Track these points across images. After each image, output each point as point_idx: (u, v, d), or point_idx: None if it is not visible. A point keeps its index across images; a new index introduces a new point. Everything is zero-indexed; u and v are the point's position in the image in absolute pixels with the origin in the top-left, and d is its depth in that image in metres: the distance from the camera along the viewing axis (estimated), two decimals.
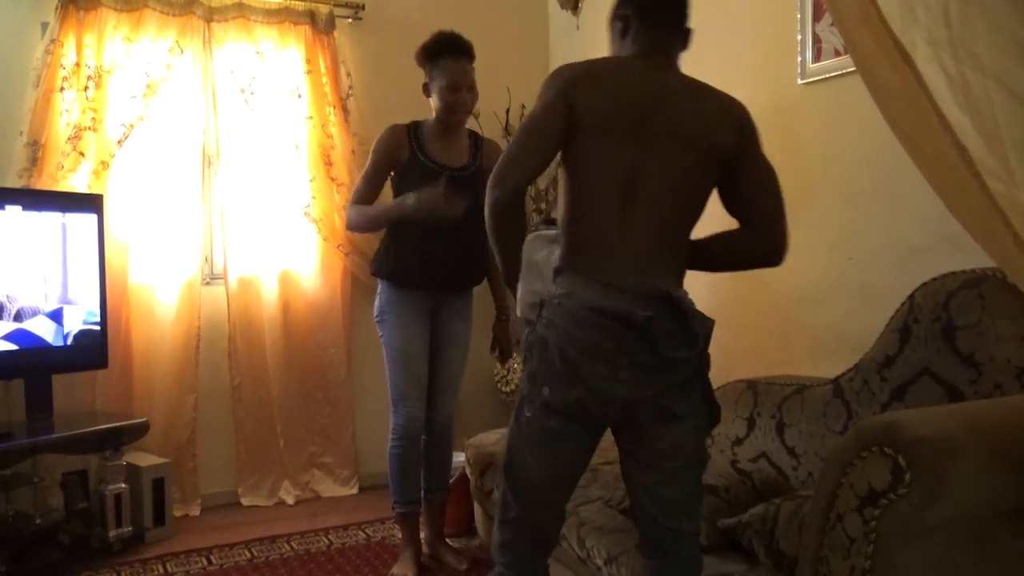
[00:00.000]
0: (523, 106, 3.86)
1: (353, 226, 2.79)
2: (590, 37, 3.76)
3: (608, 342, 1.49)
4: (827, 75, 2.44)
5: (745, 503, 1.94)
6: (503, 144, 3.18)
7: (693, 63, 2.98)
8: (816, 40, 2.47)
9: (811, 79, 2.50)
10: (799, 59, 2.52)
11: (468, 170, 2.74)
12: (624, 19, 1.71)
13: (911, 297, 1.92)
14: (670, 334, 1.52)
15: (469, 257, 2.73)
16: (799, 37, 2.52)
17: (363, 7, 3.76)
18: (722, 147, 1.66)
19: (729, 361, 2.85)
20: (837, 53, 2.39)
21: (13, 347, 2.90)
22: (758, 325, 2.75)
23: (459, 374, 2.85)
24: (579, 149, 1.60)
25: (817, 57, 2.47)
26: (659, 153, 1.59)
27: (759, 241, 1.71)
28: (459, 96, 2.65)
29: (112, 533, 3.02)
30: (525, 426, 1.60)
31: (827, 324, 2.48)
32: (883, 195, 2.28)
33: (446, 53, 2.64)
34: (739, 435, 2.35)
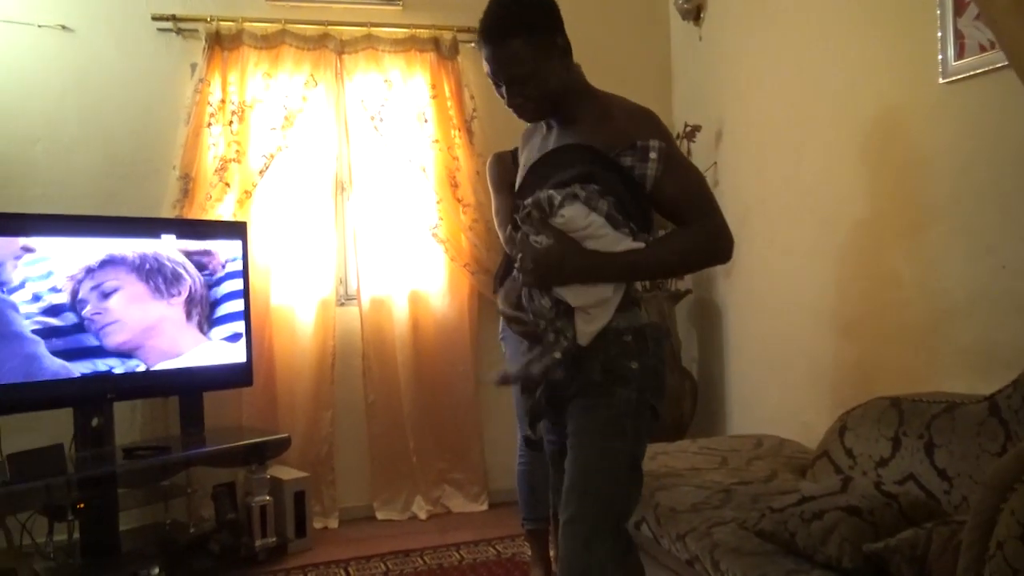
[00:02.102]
0: None
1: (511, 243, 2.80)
2: (713, 48, 3.70)
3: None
4: (971, 72, 2.29)
5: (892, 527, 1.83)
6: None
7: (825, 64, 2.90)
8: (959, 36, 2.34)
9: (954, 77, 2.36)
10: (940, 57, 2.39)
11: None
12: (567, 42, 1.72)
13: None
14: None
15: None
16: (939, 34, 2.38)
17: None
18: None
19: (868, 377, 2.72)
20: (983, 48, 2.25)
21: (170, 366, 3.11)
22: (899, 338, 2.61)
23: None
24: None
25: (960, 54, 2.34)
26: None
27: None
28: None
29: (258, 543, 3.18)
30: (644, 437, 1.72)
31: (976, 337, 2.32)
32: None
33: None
34: (883, 455, 2.22)
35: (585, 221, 1.61)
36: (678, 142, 3.77)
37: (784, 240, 3.22)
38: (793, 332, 3.16)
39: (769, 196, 3.31)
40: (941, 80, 2.40)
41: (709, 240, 1.67)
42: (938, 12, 2.38)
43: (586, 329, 1.63)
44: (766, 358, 3.38)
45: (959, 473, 1.98)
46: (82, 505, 2.73)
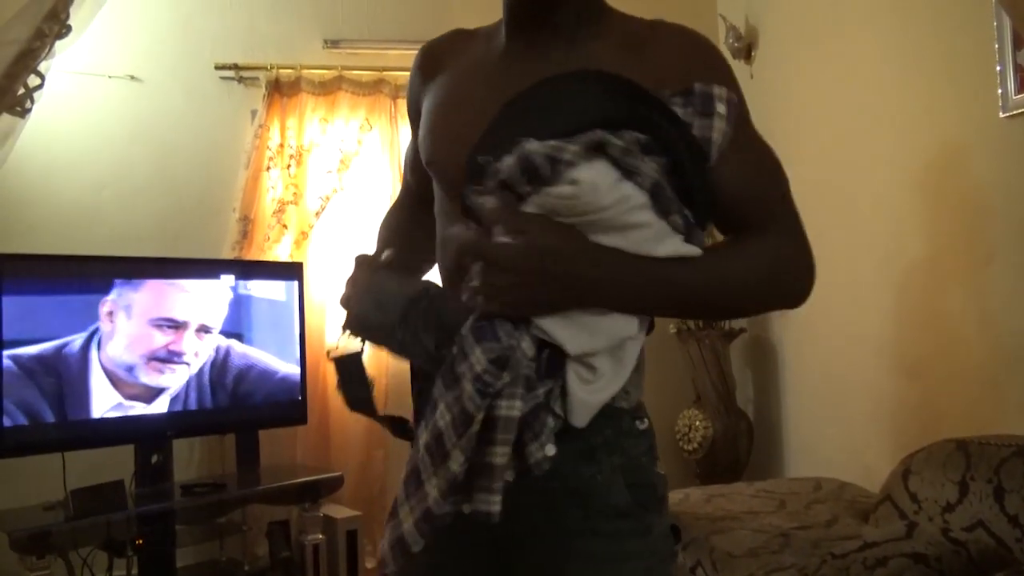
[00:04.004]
0: None
1: None
2: (765, 86, 3.69)
3: None
4: None
5: None
6: None
7: (881, 100, 2.87)
8: (1018, 70, 2.30)
9: (1014, 112, 2.31)
10: (999, 91, 2.35)
11: None
12: None
13: None
14: None
15: None
16: (998, 68, 2.35)
17: None
18: None
19: (932, 418, 2.63)
20: None
21: (226, 403, 3.17)
22: (963, 378, 2.53)
23: None
24: None
25: (1020, 88, 2.30)
26: None
27: None
28: None
29: None
30: None
31: None
32: None
33: None
34: (950, 500, 2.14)
35: (613, 195, 0.88)
36: None
37: (841, 278, 3.16)
38: (852, 372, 3.08)
39: (825, 233, 3.23)
40: (1001, 114, 2.35)
41: (795, 258, 1.05)
42: (996, 46, 2.35)
43: (588, 399, 0.92)
44: (825, 398, 3.30)
45: None
46: (141, 541, 2.77)
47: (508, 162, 0.88)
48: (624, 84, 0.92)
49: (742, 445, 3.57)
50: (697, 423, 3.57)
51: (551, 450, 0.89)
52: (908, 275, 2.79)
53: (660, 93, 0.93)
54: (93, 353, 2.88)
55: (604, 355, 0.93)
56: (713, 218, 1.01)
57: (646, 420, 1.05)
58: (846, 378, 3.13)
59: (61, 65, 2.87)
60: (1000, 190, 2.39)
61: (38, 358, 2.77)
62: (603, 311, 0.91)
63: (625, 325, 0.94)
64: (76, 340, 2.85)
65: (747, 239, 1.01)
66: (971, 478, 2.09)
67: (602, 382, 0.93)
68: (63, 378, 2.82)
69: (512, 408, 0.86)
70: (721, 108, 0.95)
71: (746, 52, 3.79)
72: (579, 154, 0.86)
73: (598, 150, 0.87)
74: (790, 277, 1.05)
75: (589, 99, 0.90)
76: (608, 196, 0.88)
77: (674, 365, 3.73)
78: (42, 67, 2.57)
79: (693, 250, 0.94)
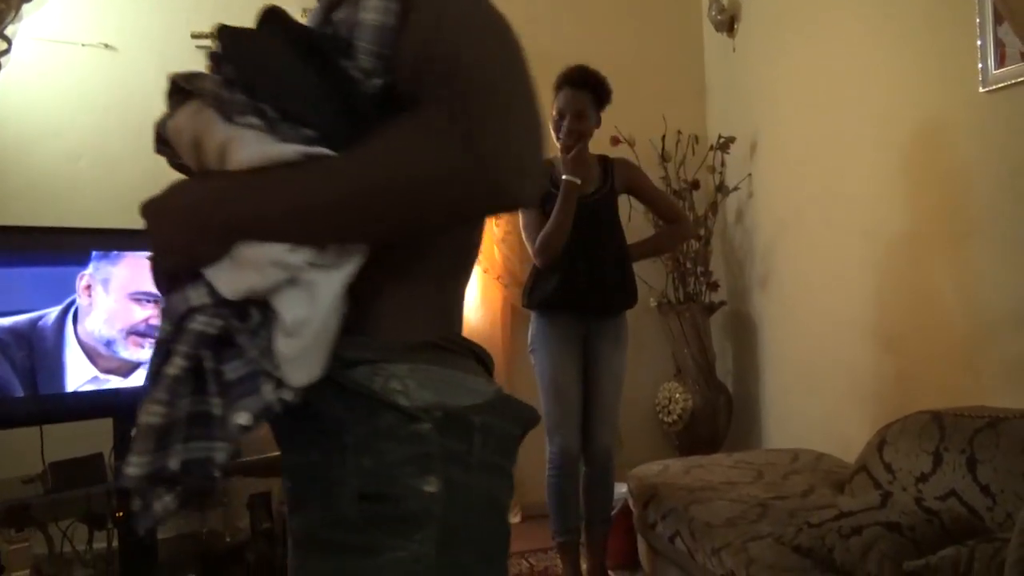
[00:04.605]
0: (679, 132, 3.82)
1: (544, 251, 2.69)
2: (747, 59, 3.68)
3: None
4: (1013, 81, 2.26)
5: (933, 544, 1.80)
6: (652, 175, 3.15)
7: (863, 74, 2.87)
8: (999, 44, 2.30)
9: (994, 86, 2.32)
10: (980, 66, 2.35)
11: (598, 194, 2.78)
12: None
13: None
14: None
15: (614, 279, 2.73)
16: (979, 42, 2.35)
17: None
18: None
19: (909, 391, 2.67)
20: None
21: None
22: (941, 352, 2.56)
23: (615, 402, 2.82)
24: None
25: (1001, 62, 2.30)
26: None
27: None
28: (563, 122, 2.68)
29: None
30: None
31: (1021, 351, 2.27)
32: None
33: (565, 84, 2.70)
34: (924, 471, 2.18)
35: (196, 120, 0.82)
36: (712, 153, 3.76)
37: (822, 252, 3.19)
38: (832, 345, 3.11)
39: (806, 208, 3.27)
40: (982, 89, 2.36)
41: (435, 149, 0.74)
42: (977, 20, 2.35)
43: (287, 351, 0.78)
44: (804, 371, 3.34)
45: (1003, 489, 1.93)
46: (121, 514, 2.77)
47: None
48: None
49: (721, 417, 3.61)
50: (677, 395, 3.60)
51: (243, 418, 0.79)
52: (888, 250, 2.81)
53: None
54: (68, 326, 2.85)
55: (287, 298, 0.78)
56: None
57: (429, 424, 0.82)
58: (825, 351, 3.16)
59: (33, 32, 2.81)
60: (980, 165, 2.41)
61: (11, 330, 2.74)
62: (248, 244, 0.78)
63: (277, 253, 0.77)
64: (51, 313, 2.82)
65: (407, 116, 0.76)
66: (945, 449, 2.12)
67: (306, 331, 0.78)
68: (37, 351, 2.79)
69: (172, 367, 0.77)
70: None
71: (729, 25, 3.77)
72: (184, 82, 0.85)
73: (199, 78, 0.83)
74: (424, 176, 0.74)
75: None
76: (182, 117, 0.85)
77: (655, 338, 3.75)
78: (9, 31, 2.52)
79: (317, 150, 0.77)
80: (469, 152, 0.72)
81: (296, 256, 0.77)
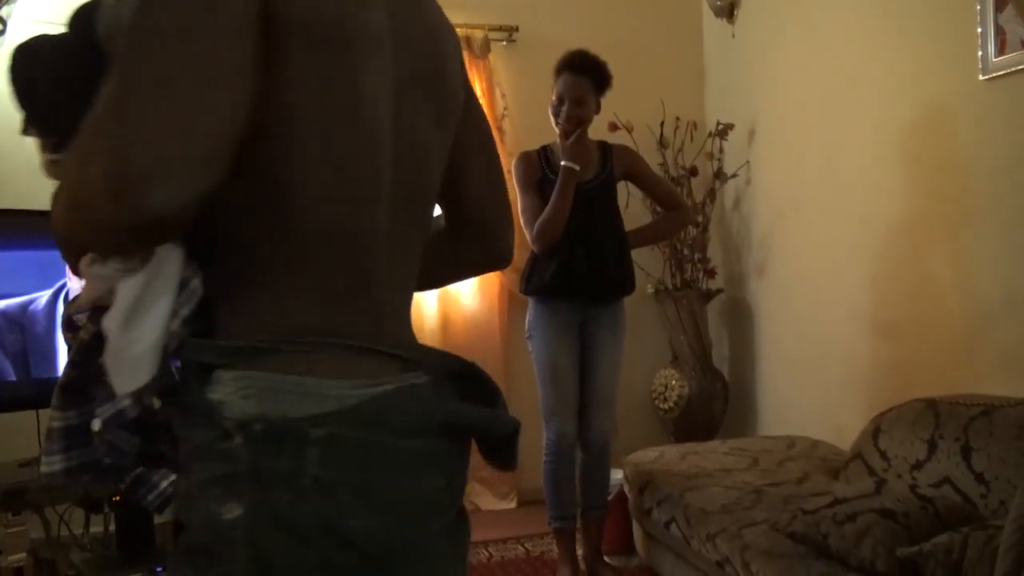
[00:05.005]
0: (677, 119, 3.80)
1: (542, 236, 2.67)
2: (746, 45, 3.66)
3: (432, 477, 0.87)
4: (1013, 69, 2.25)
5: (927, 531, 1.81)
6: (652, 162, 3.13)
7: (862, 61, 2.86)
8: (999, 32, 2.29)
9: (994, 74, 2.31)
10: (980, 54, 2.34)
11: (597, 180, 2.77)
12: None
13: None
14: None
15: (612, 266, 2.73)
16: (979, 30, 2.34)
17: (516, 29, 3.84)
18: (455, 90, 0.96)
19: (905, 379, 2.68)
20: None
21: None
22: (937, 340, 2.57)
23: (611, 389, 2.82)
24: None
25: (1001, 50, 2.29)
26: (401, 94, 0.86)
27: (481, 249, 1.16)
28: (563, 107, 2.67)
29: None
30: None
31: (1016, 339, 2.28)
32: None
33: (565, 69, 2.69)
34: (919, 458, 2.19)
35: None
36: (710, 140, 3.75)
37: (819, 240, 3.18)
38: (827, 333, 3.12)
39: (804, 195, 3.27)
40: (981, 77, 2.35)
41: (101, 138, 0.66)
42: (978, 8, 2.34)
43: (114, 371, 0.76)
44: (799, 359, 3.35)
45: (996, 477, 1.94)
46: (117, 498, 2.77)
47: None
48: None
49: (717, 404, 3.62)
50: (673, 382, 3.60)
51: (96, 425, 0.76)
52: (885, 237, 2.81)
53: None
54: (60, 310, 2.84)
55: (113, 305, 0.75)
56: None
57: (240, 439, 0.70)
58: (821, 339, 3.16)
59: (28, 14, 2.78)
60: (980, 153, 2.40)
61: (2, 314, 2.73)
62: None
63: (89, 264, 0.80)
64: (42, 297, 2.81)
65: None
66: (940, 436, 2.13)
67: (121, 338, 0.75)
68: (29, 335, 2.78)
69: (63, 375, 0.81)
70: None
71: (728, 11, 3.75)
72: None
73: None
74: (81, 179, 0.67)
75: None
76: None
77: (651, 325, 3.76)
78: (4, 12, 2.50)
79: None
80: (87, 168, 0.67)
81: (106, 267, 0.76)
